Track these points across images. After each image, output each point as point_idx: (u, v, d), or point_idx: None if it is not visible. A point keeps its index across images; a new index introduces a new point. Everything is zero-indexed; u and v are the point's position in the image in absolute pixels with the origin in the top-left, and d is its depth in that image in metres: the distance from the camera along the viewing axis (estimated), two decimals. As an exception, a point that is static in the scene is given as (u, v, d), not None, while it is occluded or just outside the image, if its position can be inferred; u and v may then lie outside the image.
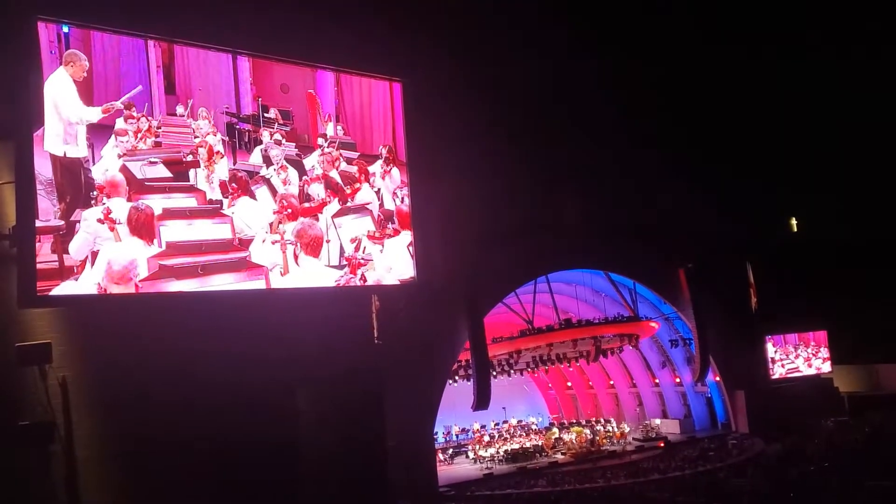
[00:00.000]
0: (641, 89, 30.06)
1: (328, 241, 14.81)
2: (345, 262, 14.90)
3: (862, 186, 33.82)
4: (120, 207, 12.46)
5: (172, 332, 12.73)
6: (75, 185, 12.13)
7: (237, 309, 13.62)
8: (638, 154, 29.61)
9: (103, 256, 12.12)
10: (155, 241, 12.69)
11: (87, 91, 12.51)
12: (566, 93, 28.67)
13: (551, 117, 28.32)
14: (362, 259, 15.18)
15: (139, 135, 12.94)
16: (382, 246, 15.61)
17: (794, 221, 38.17)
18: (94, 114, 12.46)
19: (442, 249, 20.35)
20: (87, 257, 12.05)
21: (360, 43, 16.02)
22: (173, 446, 12.38)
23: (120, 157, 12.62)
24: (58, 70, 12.10)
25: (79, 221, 12.05)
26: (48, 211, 11.82)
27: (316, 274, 14.55)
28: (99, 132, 12.55)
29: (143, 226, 12.53)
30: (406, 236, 15.98)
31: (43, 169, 11.82)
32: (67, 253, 11.86)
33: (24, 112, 11.75)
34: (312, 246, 14.56)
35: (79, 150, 12.24)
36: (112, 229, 12.24)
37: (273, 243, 14.07)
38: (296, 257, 14.27)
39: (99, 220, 12.14)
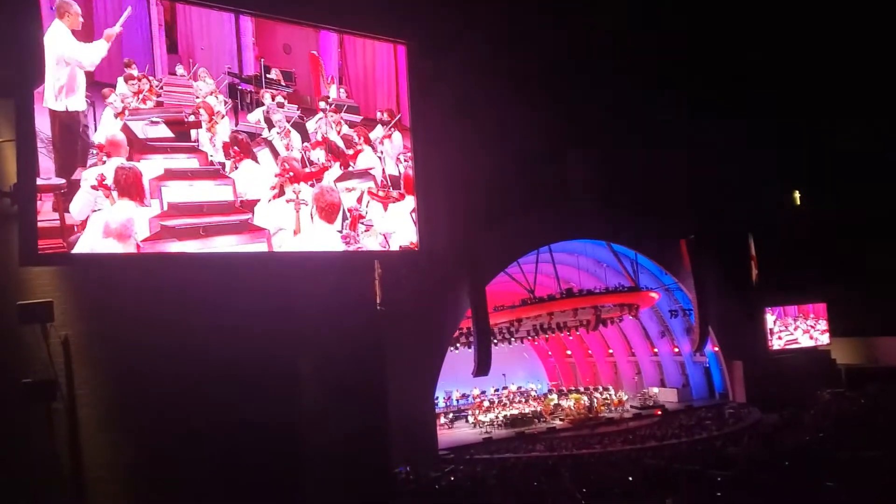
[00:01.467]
0: (645, 58, 29.83)
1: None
2: (346, 216, 14.84)
3: (864, 159, 33.65)
4: (111, 170, 12.38)
5: (174, 292, 12.76)
6: (75, 143, 12.05)
7: (239, 271, 13.63)
8: (642, 125, 29.50)
9: (101, 216, 12.09)
10: (154, 201, 12.62)
11: (89, 49, 12.39)
12: (572, 61, 28.45)
13: (556, 86, 28.15)
14: (365, 213, 15.13)
15: (140, 95, 12.85)
16: (386, 206, 15.55)
17: (797, 194, 38.08)
18: (101, 47, 12.31)
19: (445, 217, 20.32)
20: (87, 217, 12.02)
21: (364, 3, 15.83)
22: (174, 404, 12.47)
23: (116, 116, 12.52)
24: (53, 23, 11.92)
25: (80, 180, 12.00)
26: (49, 169, 11.76)
27: (323, 238, 14.54)
28: (99, 90, 12.44)
29: (131, 186, 12.40)
30: (411, 202, 15.94)
31: (44, 127, 11.74)
32: (68, 212, 11.82)
33: (24, 68, 11.64)
34: (328, 211, 14.53)
35: (79, 103, 12.13)
36: (108, 196, 12.17)
37: (287, 202, 14.04)
38: (311, 218, 14.26)
39: (93, 187, 12.06)
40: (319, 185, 14.57)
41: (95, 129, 12.31)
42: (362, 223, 15.05)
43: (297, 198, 14.16)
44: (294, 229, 14.09)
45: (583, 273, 31.45)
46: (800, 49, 32.55)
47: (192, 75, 13.42)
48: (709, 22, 31.24)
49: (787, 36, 32.34)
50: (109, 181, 12.16)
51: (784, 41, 32.40)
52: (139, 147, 12.61)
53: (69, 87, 11.99)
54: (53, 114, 11.85)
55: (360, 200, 15.09)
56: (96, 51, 12.27)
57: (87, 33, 12.33)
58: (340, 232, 14.82)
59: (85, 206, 11.97)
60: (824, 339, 33.05)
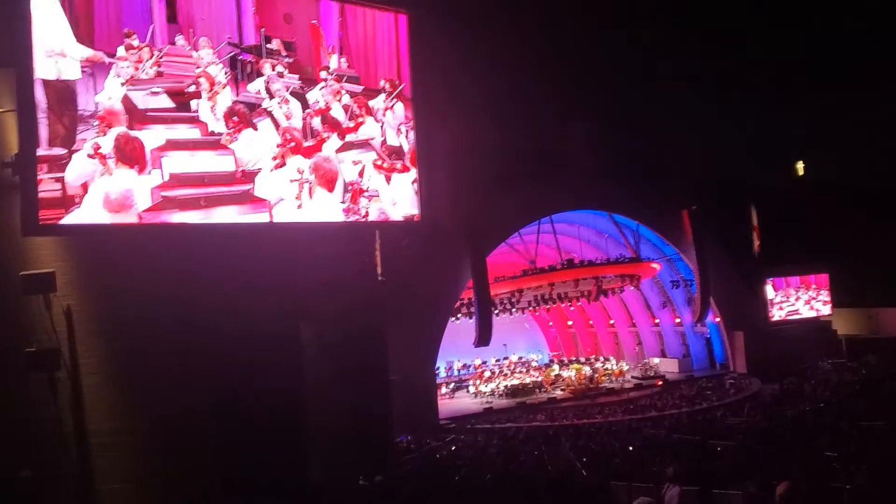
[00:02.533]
0: (646, 27, 29.59)
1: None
2: (347, 189, 14.79)
3: (867, 130, 33.51)
4: (110, 140, 12.27)
5: (176, 263, 12.74)
6: (73, 111, 11.95)
7: (240, 242, 13.61)
8: (644, 95, 29.34)
9: (100, 188, 12.03)
10: (156, 171, 12.54)
11: (88, 19, 12.24)
12: (573, 31, 28.23)
13: (560, 55, 27.94)
14: (367, 187, 15.07)
15: (140, 64, 12.73)
16: (389, 177, 15.48)
17: (800, 165, 37.98)
18: (83, 52, 12.09)
19: (447, 187, 20.28)
20: (87, 185, 11.92)
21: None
22: (176, 374, 12.53)
23: (123, 84, 12.41)
24: None
25: (79, 151, 11.92)
26: (46, 138, 11.64)
27: (324, 208, 14.50)
28: (100, 59, 12.31)
29: (131, 152, 12.30)
30: (414, 173, 15.88)
31: (38, 96, 11.62)
32: (65, 181, 11.73)
33: (23, 36, 11.52)
34: (327, 180, 14.47)
35: (72, 71, 12.00)
36: (104, 164, 12.09)
37: (292, 181, 14.00)
38: (311, 191, 14.20)
39: (89, 156, 11.97)
40: (316, 155, 14.48)
41: (94, 99, 12.20)
42: (364, 197, 14.99)
43: (302, 176, 14.11)
44: (298, 204, 14.07)
45: (584, 243, 31.47)
46: (801, 15, 32.26)
47: (192, 45, 13.29)
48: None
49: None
50: (104, 150, 12.06)
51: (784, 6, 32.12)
52: (139, 117, 12.52)
53: (60, 55, 11.83)
54: (47, 83, 11.71)
55: (361, 174, 15.01)
56: (80, 52, 12.01)
57: (86, 11, 12.19)
58: (343, 204, 14.77)
59: (81, 174, 11.87)
60: (826, 309, 33.14)
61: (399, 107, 15.86)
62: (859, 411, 15.90)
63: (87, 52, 12.10)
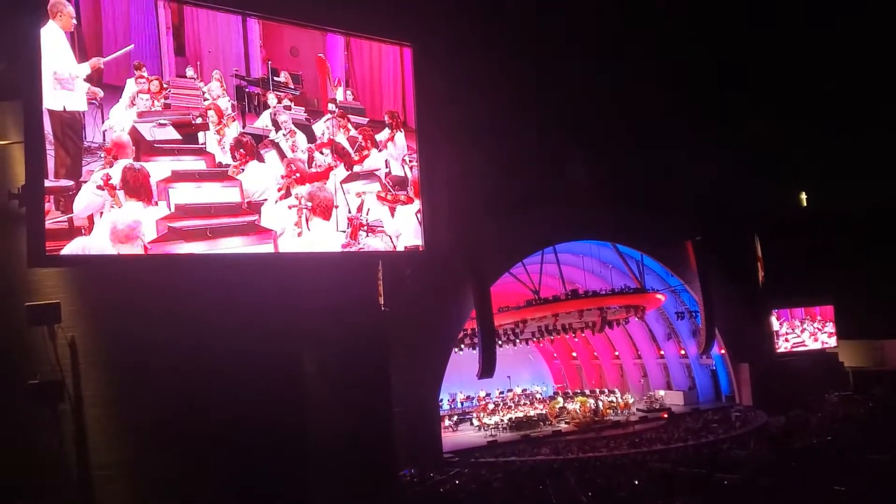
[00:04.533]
0: (651, 58, 29.82)
1: (336, 207, 14.78)
2: (348, 225, 14.85)
3: (872, 159, 33.60)
4: (119, 171, 12.36)
5: (181, 293, 12.78)
6: (79, 142, 12.03)
7: (245, 272, 13.65)
8: (648, 125, 29.48)
9: (108, 218, 12.10)
10: (162, 203, 12.63)
11: (97, 52, 12.38)
12: (577, 61, 28.46)
13: (564, 85, 28.15)
14: (366, 221, 15.13)
15: (148, 94, 12.86)
16: (393, 210, 15.55)
17: (803, 195, 38.03)
18: (83, 69, 12.21)
19: (450, 217, 20.32)
20: (92, 217, 11.98)
21: (370, 6, 15.85)
22: (180, 405, 12.50)
23: (139, 115, 12.54)
24: (48, 23, 11.85)
25: (86, 182, 12.00)
26: (52, 170, 11.71)
27: (325, 238, 14.55)
28: (107, 92, 12.44)
29: (139, 186, 12.39)
30: (418, 204, 15.96)
31: (48, 127, 11.72)
32: (72, 212, 11.80)
33: (31, 67, 11.62)
34: (322, 208, 14.55)
35: (78, 103, 12.08)
36: (113, 195, 12.16)
37: (290, 207, 14.07)
38: (307, 220, 14.27)
39: (99, 187, 12.05)
40: (311, 185, 14.55)
41: (101, 130, 12.29)
42: (363, 230, 15.04)
43: (301, 203, 14.19)
44: (298, 231, 14.15)
45: (588, 274, 31.42)
46: (801, 47, 32.51)
47: (201, 77, 13.44)
48: (709, 20, 31.29)
49: (788, 34, 32.32)
50: (115, 181, 12.15)
51: (785, 39, 32.38)
52: (146, 149, 12.63)
53: (65, 86, 11.94)
54: (52, 114, 11.80)
55: (360, 209, 15.08)
56: (80, 70, 12.14)
57: (95, 43, 12.34)
58: (344, 233, 14.83)
59: (89, 205, 11.95)
60: (831, 341, 32.97)
61: (400, 137, 15.97)
62: (866, 444, 15.76)
63: (82, 71, 12.16)
